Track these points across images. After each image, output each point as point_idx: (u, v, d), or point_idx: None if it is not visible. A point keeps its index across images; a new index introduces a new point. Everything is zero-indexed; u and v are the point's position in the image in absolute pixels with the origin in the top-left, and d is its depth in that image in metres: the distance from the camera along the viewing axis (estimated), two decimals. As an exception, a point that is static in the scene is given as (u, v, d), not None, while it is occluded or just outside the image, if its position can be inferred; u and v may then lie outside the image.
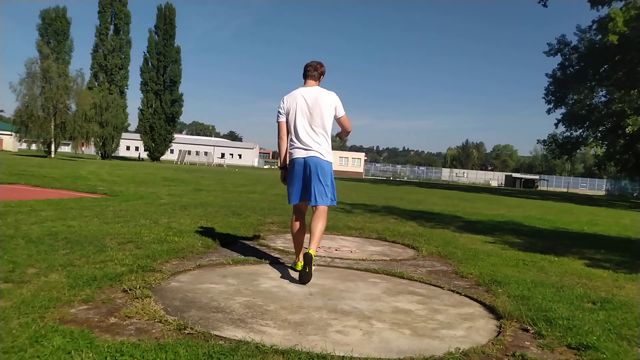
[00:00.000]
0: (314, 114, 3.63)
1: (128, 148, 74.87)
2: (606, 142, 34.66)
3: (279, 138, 3.80)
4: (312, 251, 3.32)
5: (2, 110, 66.69)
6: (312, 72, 3.81)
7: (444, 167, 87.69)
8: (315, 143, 3.60)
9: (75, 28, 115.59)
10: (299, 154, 3.62)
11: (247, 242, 4.91)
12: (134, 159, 54.39)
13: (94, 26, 46.61)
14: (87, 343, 1.99)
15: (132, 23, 48.13)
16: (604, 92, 32.75)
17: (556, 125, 35.18)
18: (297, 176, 3.63)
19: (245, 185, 15.79)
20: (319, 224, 3.53)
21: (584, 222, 10.48)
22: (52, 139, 35.15)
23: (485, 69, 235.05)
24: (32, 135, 35.12)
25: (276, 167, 74.40)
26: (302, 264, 3.39)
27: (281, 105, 3.76)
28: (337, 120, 3.81)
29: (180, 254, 3.98)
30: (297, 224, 3.77)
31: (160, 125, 50.58)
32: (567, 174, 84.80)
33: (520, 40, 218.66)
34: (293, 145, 3.68)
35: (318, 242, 3.50)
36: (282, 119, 3.75)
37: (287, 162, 3.77)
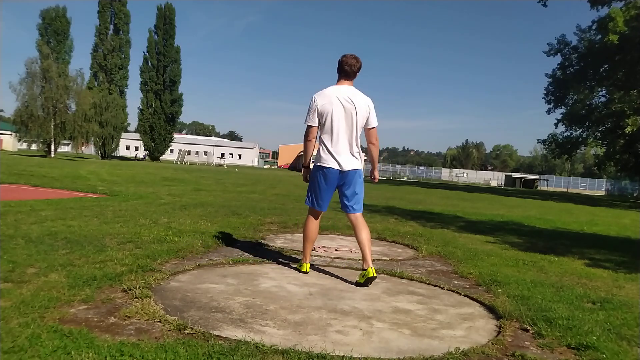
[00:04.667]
0: (351, 121, 3.44)
1: (128, 148, 74.89)
2: (606, 142, 34.65)
3: (307, 140, 3.53)
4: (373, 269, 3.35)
5: (2, 110, 66.79)
6: (347, 70, 3.49)
7: (443, 167, 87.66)
8: (351, 155, 3.48)
9: (75, 28, 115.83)
10: (333, 164, 3.46)
11: (247, 242, 4.91)
12: (132, 159, 54.36)
13: (94, 26, 46.68)
14: (87, 343, 1.99)
15: (131, 23, 48.22)
16: (604, 92, 32.74)
17: (556, 125, 35.20)
18: (331, 186, 3.54)
19: (245, 185, 15.79)
20: (366, 231, 3.52)
21: (584, 222, 10.48)
22: (52, 139, 35.13)
23: (485, 69, 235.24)
24: (32, 135, 35.10)
25: (276, 167, 74.45)
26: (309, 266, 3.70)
27: (312, 106, 3.47)
28: (366, 131, 3.53)
29: (180, 254, 3.98)
30: (315, 227, 3.70)
31: (160, 125, 50.56)
32: (567, 174, 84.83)
33: (520, 40, 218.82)
34: (327, 152, 3.47)
35: (370, 251, 3.48)
36: (314, 123, 3.48)
37: (309, 163, 3.67)
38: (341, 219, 6.97)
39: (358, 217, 3.57)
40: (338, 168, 3.48)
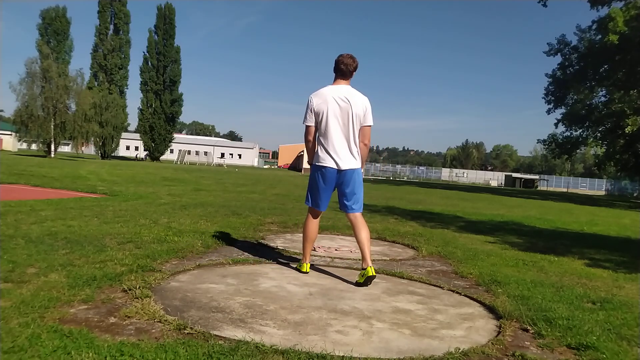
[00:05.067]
0: (347, 120, 3.43)
1: (128, 148, 74.92)
2: (606, 142, 34.67)
3: (306, 140, 3.60)
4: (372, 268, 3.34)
5: (2, 110, 66.79)
6: (344, 69, 3.49)
7: (443, 167, 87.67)
8: (350, 154, 3.47)
9: (75, 28, 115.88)
10: (331, 163, 3.47)
11: (247, 242, 4.91)
12: (132, 159, 54.38)
13: (94, 26, 46.72)
14: (87, 343, 1.99)
15: (131, 23, 48.29)
16: (604, 92, 32.75)
17: (556, 125, 35.22)
18: (329, 185, 3.54)
19: (245, 185, 15.79)
20: (365, 231, 3.51)
21: (584, 222, 10.48)
22: (52, 139, 35.14)
23: (485, 69, 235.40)
24: (32, 135, 35.12)
25: (276, 167, 74.51)
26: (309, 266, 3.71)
27: (309, 106, 3.51)
28: (361, 128, 3.51)
29: (180, 254, 3.98)
30: (315, 227, 3.72)
31: (160, 125, 50.57)
32: (567, 174, 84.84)
33: (520, 40, 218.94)
34: (324, 151, 3.48)
35: (370, 250, 3.48)
36: (311, 122, 3.51)
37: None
38: (341, 219, 6.97)
39: (357, 217, 3.57)
40: (336, 167, 3.49)
